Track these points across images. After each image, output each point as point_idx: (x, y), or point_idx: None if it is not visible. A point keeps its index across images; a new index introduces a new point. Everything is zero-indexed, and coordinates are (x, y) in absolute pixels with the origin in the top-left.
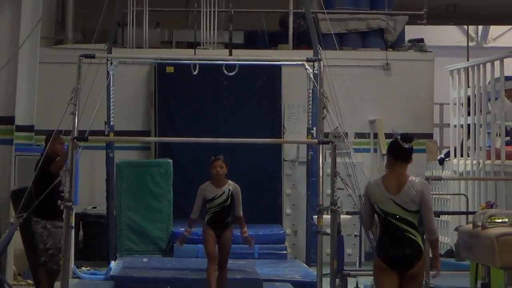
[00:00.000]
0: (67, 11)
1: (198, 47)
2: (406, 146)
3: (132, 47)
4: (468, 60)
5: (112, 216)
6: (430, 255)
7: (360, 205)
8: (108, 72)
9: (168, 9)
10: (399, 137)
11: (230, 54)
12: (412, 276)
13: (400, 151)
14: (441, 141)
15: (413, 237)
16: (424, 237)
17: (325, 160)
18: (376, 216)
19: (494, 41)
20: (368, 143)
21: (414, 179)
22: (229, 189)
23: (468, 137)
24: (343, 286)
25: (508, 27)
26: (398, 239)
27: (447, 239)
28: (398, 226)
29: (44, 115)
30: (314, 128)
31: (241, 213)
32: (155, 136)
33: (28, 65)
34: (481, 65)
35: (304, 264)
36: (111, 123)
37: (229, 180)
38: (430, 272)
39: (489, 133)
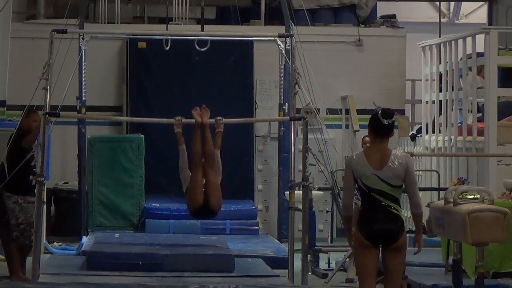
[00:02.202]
0: None
1: (170, 22)
2: (385, 122)
3: (104, 22)
4: (440, 37)
5: (83, 192)
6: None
7: (332, 181)
8: (80, 47)
9: None
10: (379, 112)
11: (202, 29)
12: (396, 249)
13: (380, 127)
14: (412, 117)
15: (397, 212)
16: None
17: (297, 136)
18: (358, 191)
19: (466, 18)
20: (340, 119)
21: (397, 152)
22: None
23: (440, 113)
24: (314, 261)
25: (480, 3)
26: (382, 214)
27: None
28: (382, 201)
29: (16, 90)
30: (286, 104)
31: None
32: (127, 112)
33: None
34: (453, 42)
35: (276, 240)
36: (83, 99)
37: None
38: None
39: (460, 109)
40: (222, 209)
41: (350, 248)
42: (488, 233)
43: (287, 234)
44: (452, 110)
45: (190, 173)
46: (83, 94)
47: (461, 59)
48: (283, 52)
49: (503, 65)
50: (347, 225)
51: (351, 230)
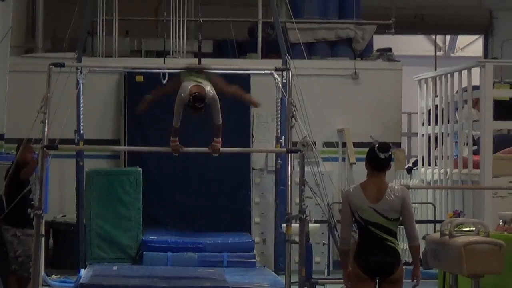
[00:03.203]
0: (37, 20)
1: (167, 56)
2: (382, 156)
3: (102, 56)
4: (435, 70)
5: (81, 224)
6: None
7: (328, 213)
8: (78, 81)
9: (138, 18)
10: (376, 145)
11: (199, 63)
12: (393, 282)
13: (376, 160)
14: (409, 150)
15: (393, 245)
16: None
17: (293, 168)
18: (355, 224)
19: (462, 51)
20: (336, 152)
21: (393, 185)
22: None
23: (436, 146)
24: None
25: (475, 37)
26: (378, 247)
27: None
28: (378, 234)
29: (14, 124)
30: (283, 137)
31: (219, 122)
32: (125, 145)
33: None
34: (448, 75)
35: (273, 272)
36: (81, 132)
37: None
38: (410, 281)
39: (456, 142)
40: (219, 242)
41: None
42: (484, 265)
43: (284, 266)
44: (447, 143)
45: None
46: (81, 127)
47: (456, 92)
48: (280, 85)
49: (498, 98)
50: (344, 260)
51: (348, 267)
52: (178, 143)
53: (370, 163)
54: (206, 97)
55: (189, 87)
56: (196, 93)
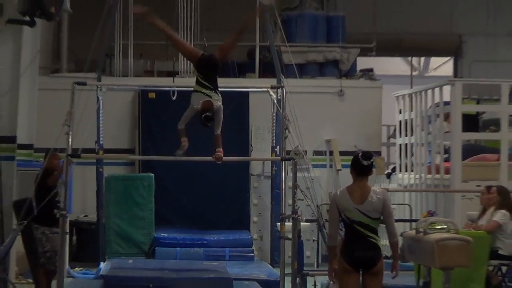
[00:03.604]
0: (62, 44)
1: (176, 75)
2: (365, 163)
3: (119, 76)
4: (411, 88)
5: (101, 223)
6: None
7: (317, 213)
8: (98, 98)
9: (151, 42)
10: (360, 154)
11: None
12: (375, 273)
13: (360, 167)
14: (388, 158)
15: (375, 241)
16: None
17: (287, 174)
18: (341, 223)
19: (435, 71)
20: (325, 160)
21: (375, 189)
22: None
23: (412, 155)
24: (302, 284)
25: (446, 58)
26: (362, 243)
27: None
28: (362, 232)
29: (42, 135)
30: (278, 146)
31: (219, 132)
32: (139, 154)
33: (28, 91)
34: (423, 92)
35: (269, 265)
36: (101, 142)
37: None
38: (390, 272)
39: (429, 151)
40: (222, 238)
41: None
42: (454, 259)
43: (279, 260)
44: (422, 152)
45: None
46: (100, 138)
47: (430, 107)
48: (275, 101)
49: (466, 112)
50: (330, 255)
51: (333, 263)
52: (187, 141)
53: (355, 169)
54: (214, 111)
55: (201, 102)
56: (208, 113)
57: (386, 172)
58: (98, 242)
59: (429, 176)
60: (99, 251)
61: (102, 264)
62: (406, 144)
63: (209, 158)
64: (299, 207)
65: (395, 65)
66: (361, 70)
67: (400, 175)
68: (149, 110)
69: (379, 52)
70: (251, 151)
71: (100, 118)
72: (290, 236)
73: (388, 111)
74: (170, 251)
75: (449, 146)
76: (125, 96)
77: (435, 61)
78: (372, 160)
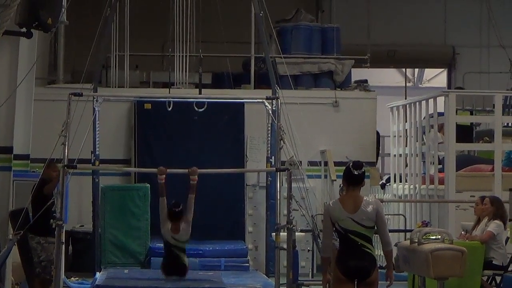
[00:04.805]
0: (58, 55)
1: (172, 86)
2: (356, 173)
3: (115, 87)
4: (406, 99)
5: (97, 233)
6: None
7: (312, 223)
8: (94, 108)
9: (146, 53)
10: (351, 164)
11: (200, 92)
12: (369, 283)
13: (351, 177)
14: (382, 169)
15: (369, 251)
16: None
17: (282, 185)
18: (336, 233)
19: (429, 82)
20: (319, 170)
21: (368, 198)
22: None
23: (406, 165)
24: None
25: (440, 70)
26: (357, 253)
27: None
28: (356, 241)
29: (38, 146)
30: (273, 157)
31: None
32: (135, 164)
33: (24, 102)
34: (417, 103)
35: (264, 275)
36: (97, 152)
37: None
38: (384, 282)
39: (424, 161)
40: (217, 248)
41: None
42: (448, 269)
43: (274, 270)
44: (416, 162)
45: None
46: (96, 149)
47: (424, 118)
48: (270, 112)
49: (460, 123)
50: (324, 267)
51: (327, 273)
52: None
53: (346, 179)
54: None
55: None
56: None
57: (380, 183)
58: (94, 252)
59: (423, 186)
60: (95, 261)
61: (98, 274)
62: (400, 155)
63: (206, 171)
64: (294, 217)
65: (389, 77)
66: (356, 81)
67: (394, 185)
68: (145, 120)
69: (373, 63)
70: (246, 162)
71: (96, 129)
72: (285, 246)
73: (382, 122)
74: None
75: (443, 156)
76: (121, 107)
77: (429, 72)
78: (363, 170)
